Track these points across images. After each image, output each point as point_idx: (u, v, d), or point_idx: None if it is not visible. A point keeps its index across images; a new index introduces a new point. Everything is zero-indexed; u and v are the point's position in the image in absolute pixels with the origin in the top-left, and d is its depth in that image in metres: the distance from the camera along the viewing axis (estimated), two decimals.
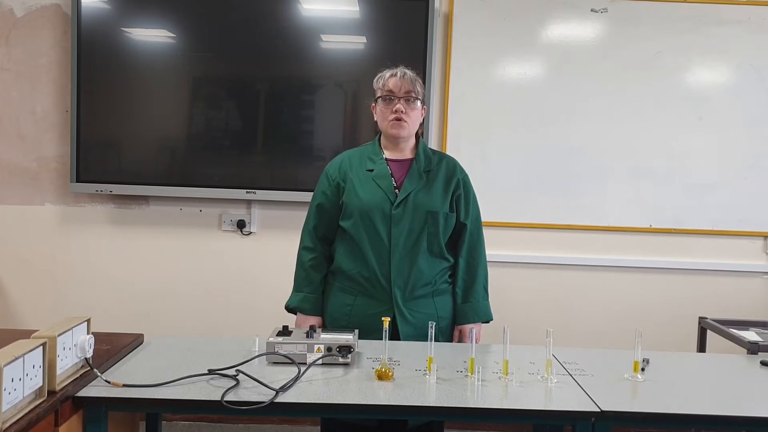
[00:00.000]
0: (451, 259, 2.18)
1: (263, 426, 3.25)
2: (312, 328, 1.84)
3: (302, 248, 2.22)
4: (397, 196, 2.10)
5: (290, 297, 2.21)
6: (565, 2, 3.18)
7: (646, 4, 3.18)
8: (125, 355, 1.82)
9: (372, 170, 2.14)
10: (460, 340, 2.19)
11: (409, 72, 2.14)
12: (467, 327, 2.17)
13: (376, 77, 2.17)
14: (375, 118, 2.20)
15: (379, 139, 2.22)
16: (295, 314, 2.22)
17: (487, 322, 2.22)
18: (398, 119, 2.10)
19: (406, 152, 2.19)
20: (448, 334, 2.19)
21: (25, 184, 3.27)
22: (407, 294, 2.09)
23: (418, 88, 2.13)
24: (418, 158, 2.17)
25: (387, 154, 2.18)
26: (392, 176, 2.14)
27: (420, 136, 2.23)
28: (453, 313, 2.19)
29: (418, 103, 2.14)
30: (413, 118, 2.14)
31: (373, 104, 2.19)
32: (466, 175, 2.22)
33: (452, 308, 2.19)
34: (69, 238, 3.29)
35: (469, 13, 3.19)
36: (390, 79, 2.12)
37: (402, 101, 2.10)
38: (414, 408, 1.53)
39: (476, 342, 2.09)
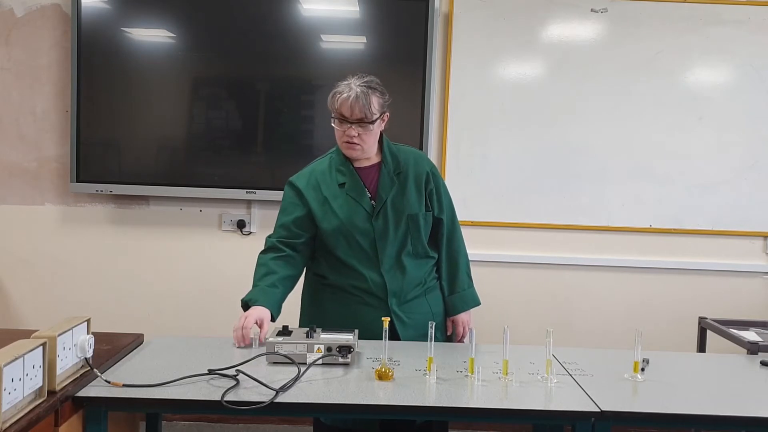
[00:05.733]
0: (435, 255, 2.17)
1: (263, 426, 3.25)
2: (312, 328, 1.84)
3: (262, 251, 2.14)
4: (373, 207, 2.07)
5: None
6: (565, 2, 3.18)
7: (646, 4, 3.18)
8: (125, 355, 1.83)
9: (344, 183, 2.09)
10: (454, 331, 2.21)
11: (361, 92, 1.98)
12: (458, 317, 2.19)
13: (331, 93, 2.04)
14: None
15: None
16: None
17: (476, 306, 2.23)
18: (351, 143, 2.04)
19: (372, 157, 2.13)
20: (442, 328, 2.20)
21: (25, 184, 3.27)
22: (402, 299, 2.09)
23: (374, 108, 2.00)
24: (386, 161, 2.11)
25: (354, 162, 2.11)
26: (365, 187, 2.09)
27: (383, 133, 2.14)
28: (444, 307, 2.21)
29: (374, 124, 2.02)
30: (367, 140, 2.04)
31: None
32: (433, 165, 2.19)
33: (443, 302, 2.20)
34: (69, 238, 3.29)
35: (469, 13, 3.19)
36: (342, 104, 1.99)
37: (355, 126, 2.01)
38: (414, 408, 1.53)
39: (467, 326, 2.16)
